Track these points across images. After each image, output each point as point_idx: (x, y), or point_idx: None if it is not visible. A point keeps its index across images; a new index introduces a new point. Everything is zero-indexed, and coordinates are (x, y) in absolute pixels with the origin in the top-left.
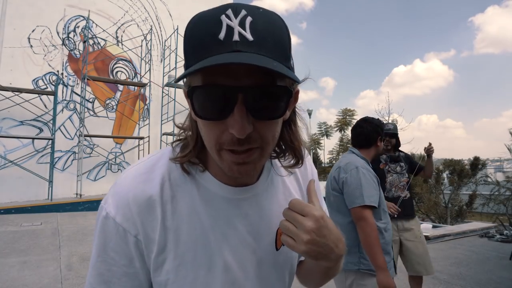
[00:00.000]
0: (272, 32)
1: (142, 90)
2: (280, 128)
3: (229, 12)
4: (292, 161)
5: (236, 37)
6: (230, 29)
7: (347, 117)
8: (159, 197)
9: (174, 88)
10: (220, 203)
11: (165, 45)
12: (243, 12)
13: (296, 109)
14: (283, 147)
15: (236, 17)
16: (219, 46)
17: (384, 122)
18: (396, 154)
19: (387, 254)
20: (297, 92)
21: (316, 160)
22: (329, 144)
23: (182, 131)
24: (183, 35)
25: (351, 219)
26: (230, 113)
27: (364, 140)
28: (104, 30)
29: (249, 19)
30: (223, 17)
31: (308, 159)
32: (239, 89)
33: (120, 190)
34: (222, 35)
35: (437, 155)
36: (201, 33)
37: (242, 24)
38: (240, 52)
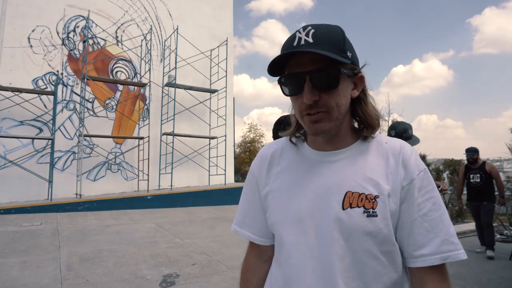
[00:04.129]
0: (328, 36)
1: (142, 90)
2: (345, 99)
3: (301, 29)
4: (369, 130)
5: (302, 42)
6: (299, 38)
7: None
8: (271, 155)
9: (174, 88)
10: (308, 163)
11: (165, 45)
12: (309, 27)
13: (366, 91)
14: (360, 120)
15: (304, 31)
16: (291, 49)
17: (398, 121)
18: None
19: None
20: (362, 77)
21: None
22: None
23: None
24: (184, 35)
25: None
26: (302, 89)
27: None
28: (103, 30)
29: (312, 31)
30: (297, 33)
31: (404, 147)
32: (306, 73)
33: (258, 153)
34: (295, 43)
35: (437, 155)
36: (285, 44)
37: (307, 34)
38: (303, 49)
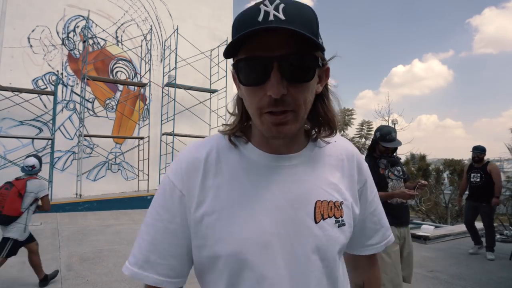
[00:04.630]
0: (301, 15)
1: (142, 90)
2: (312, 95)
3: (266, 2)
4: (327, 132)
5: (271, 18)
6: (266, 13)
7: (346, 116)
8: (204, 160)
9: (174, 88)
10: (260, 170)
11: (165, 45)
12: (278, 1)
13: (329, 86)
14: (319, 119)
15: (271, 4)
16: (257, 25)
17: (384, 125)
18: (394, 158)
19: None
20: (328, 69)
21: None
22: None
23: (231, 115)
24: (183, 35)
25: None
26: (267, 78)
27: None
28: (104, 30)
29: (282, 5)
30: (261, 6)
31: (355, 149)
32: (274, 58)
33: (178, 156)
34: (260, 17)
35: (437, 155)
36: (244, 18)
37: (276, 9)
38: (273, 26)
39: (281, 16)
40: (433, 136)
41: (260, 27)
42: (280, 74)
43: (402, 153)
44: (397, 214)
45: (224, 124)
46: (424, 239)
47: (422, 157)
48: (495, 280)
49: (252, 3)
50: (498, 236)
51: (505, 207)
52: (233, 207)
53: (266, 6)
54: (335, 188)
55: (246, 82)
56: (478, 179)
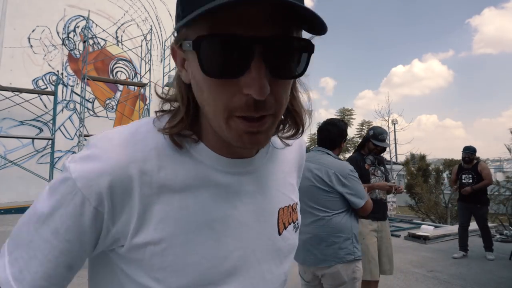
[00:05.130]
0: None
1: (142, 90)
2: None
3: None
4: (293, 131)
5: None
6: None
7: (345, 116)
8: (140, 171)
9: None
10: (217, 178)
11: (165, 45)
12: None
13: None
14: (290, 117)
15: None
16: None
17: (377, 126)
18: (381, 157)
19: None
20: None
21: None
22: None
23: (164, 101)
24: None
25: (334, 212)
26: (246, 69)
27: (330, 143)
28: (104, 30)
29: None
30: None
31: (303, 139)
32: (258, 40)
33: (92, 152)
34: None
35: (437, 155)
36: None
37: None
38: None
39: None
40: (433, 136)
41: None
42: (265, 65)
43: (402, 153)
44: (375, 209)
45: (158, 112)
46: (424, 239)
47: (422, 157)
48: (495, 280)
49: None
50: (498, 236)
51: (505, 207)
52: (187, 231)
53: None
54: (292, 189)
55: (212, 71)
56: (470, 180)
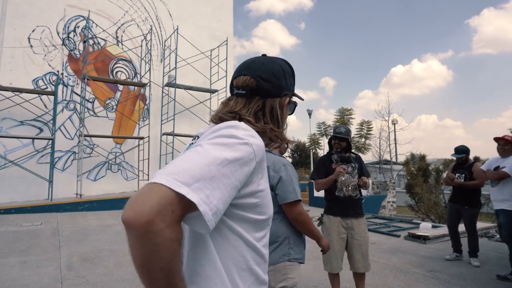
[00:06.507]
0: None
1: (142, 90)
2: None
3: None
4: None
5: None
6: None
7: (345, 116)
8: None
9: (174, 88)
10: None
11: (165, 45)
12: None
13: None
14: None
15: None
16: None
17: (337, 124)
18: (346, 155)
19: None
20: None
21: (316, 159)
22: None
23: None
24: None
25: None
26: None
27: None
28: (104, 30)
29: None
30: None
31: None
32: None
33: (252, 132)
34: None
35: (437, 155)
36: (293, 74)
37: None
38: None
39: None
40: (433, 136)
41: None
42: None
43: (402, 153)
44: (345, 206)
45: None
46: (424, 239)
47: (422, 157)
48: (495, 280)
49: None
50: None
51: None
52: (267, 185)
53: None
54: None
55: (290, 113)
56: (462, 180)
